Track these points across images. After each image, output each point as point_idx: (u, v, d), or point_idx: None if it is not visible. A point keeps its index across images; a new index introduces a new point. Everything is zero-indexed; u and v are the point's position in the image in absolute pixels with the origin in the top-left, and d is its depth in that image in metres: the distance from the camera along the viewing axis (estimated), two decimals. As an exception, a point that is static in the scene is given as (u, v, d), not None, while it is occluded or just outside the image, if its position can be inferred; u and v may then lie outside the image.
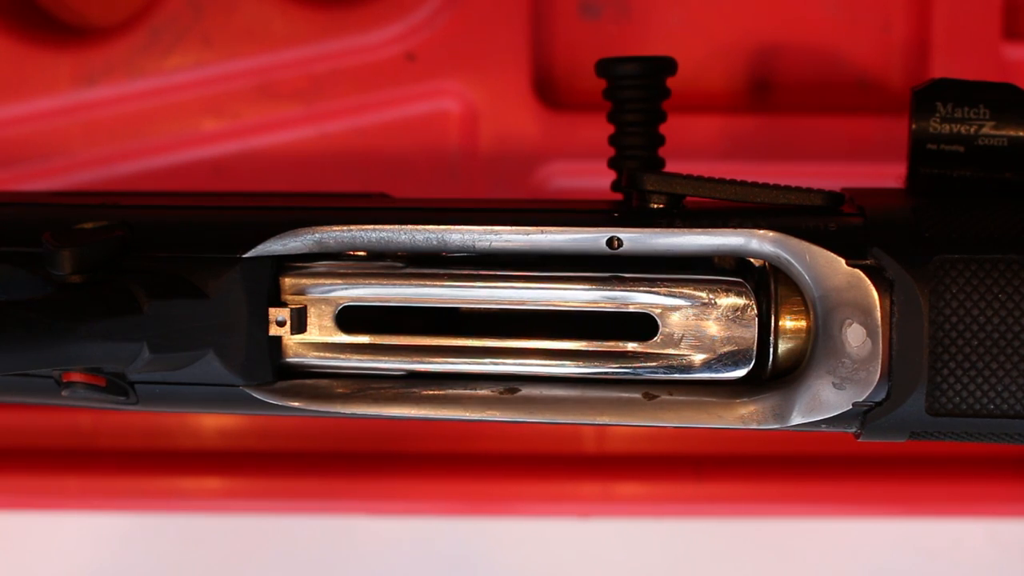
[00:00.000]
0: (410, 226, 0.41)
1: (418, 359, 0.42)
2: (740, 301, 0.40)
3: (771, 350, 0.40)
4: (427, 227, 0.41)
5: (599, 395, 0.41)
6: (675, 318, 0.40)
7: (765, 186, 0.41)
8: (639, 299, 0.41)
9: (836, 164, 0.66)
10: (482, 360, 0.42)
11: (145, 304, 0.39)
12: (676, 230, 0.40)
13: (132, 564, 0.71)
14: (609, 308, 0.41)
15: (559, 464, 0.68)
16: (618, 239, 0.40)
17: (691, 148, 0.65)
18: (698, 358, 0.40)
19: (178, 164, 0.68)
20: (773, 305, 0.40)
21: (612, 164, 0.44)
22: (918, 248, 0.38)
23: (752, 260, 0.41)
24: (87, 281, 0.39)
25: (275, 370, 0.42)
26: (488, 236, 0.41)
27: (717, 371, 0.40)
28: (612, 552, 0.70)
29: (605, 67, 0.43)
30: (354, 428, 0.69)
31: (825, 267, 0.39)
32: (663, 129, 0.43)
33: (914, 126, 0.41)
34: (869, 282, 0.38)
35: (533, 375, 0.42)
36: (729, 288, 0.40)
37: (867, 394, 0.39)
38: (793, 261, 0.39)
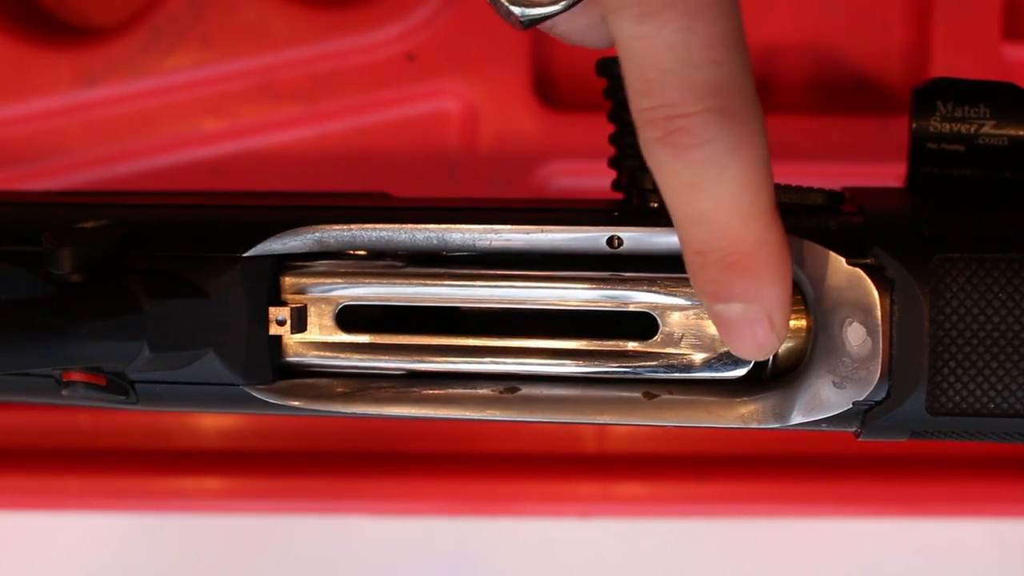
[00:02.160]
0: (410, 225, 0.41)
1: (418, 358, 0.42)
2: (740, 300, 0.40)
3: (771, 349, 0.40)
4: (427, 226, 0.41)
5: (599, 394, 0.41)
6: (675, 317, 0.40)
7: (765, 185, 0.41)
8: (639, 298, 0.41)
9: (836, 164, 0.66)
10: (482, 359, 0.42)
11: (145, 303, 0.39)
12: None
13: (132, 564, 0.71)
14: (609, 307, 0.41)
15: (559, 464, 0.68)
16: (618, 238, 0.40)
17: (691, 148, 0.65)
18: (698, 357, 0.40)
19: (178, 164, 0.68)
20: (773, 304, 0.40)
21: (612, 163, 0.44)
22: (918, 247, 0.38)
23: (752, 259, 0.41)
24: (87, 280, 0.39)
25: (275, 369, 0.42)
26: (488, 235, 0.41)
27: (717, 370, 0.40)
28: (612, 552, 0.70)
29: (605, 66, 0.43)
30: (354, 428, 0.69)
31: (825, 266, 0.39)
32: (663, 128, 0.43)
33: (914, 125, 0.41)
34: (869, 281, 0.38)
35: (533, 374, 0.42)
36: (729, 287, 0.40)
37: (867, 393, 0.39)
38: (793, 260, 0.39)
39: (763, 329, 0.36)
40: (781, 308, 0.36)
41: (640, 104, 0.34)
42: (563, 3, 0.36)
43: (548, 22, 0.37)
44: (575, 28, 0.38)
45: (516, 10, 0.37)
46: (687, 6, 0.32)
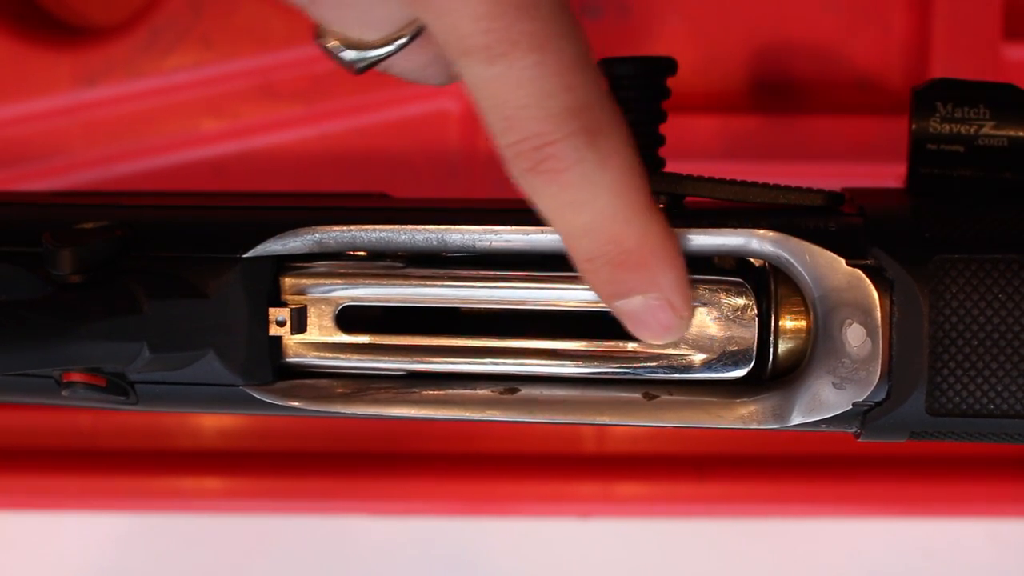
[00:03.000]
0: (410, 226, 0.41)
1: (418, 359, 0.42)
2: (740, 301, 0.40)
3: (771, 350, 0.40)
4: (427, 227, 0.41)
5: (599, 395, 0.41)
6: (675, 318, 0.40)
7: (765, 186, 0.41)
8: (639, 299, 0.41)
9: (836, 164, 0.66)
10: (482, 360, 0.42)
11: (145, 304, 0.39)
12: (676, 230, 0.40)
13: (132, 564, 0.71)
14: (609, 308, 0.41)
15: (559, 464, 0.68)
16: (619, 239, 0.40)
17: (691, 148, 0.65)
18: (698, 358, 0.40)
19: (178, 164, 0.68)
20: (773, 305, 0.40)
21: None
22: (918, 248, 0.38)
23: (752, 260, 0.41)
24: (87, 281, 0.39)
25: (275, 370, 0.42)
26: (488, 236, 0.41)
27: (717, 371, 0.40)
28: (612, 552, 0.70)
29: (605, 67, 0.43)
30: (354, 428, 0.69)
31: (825, 267, 0.39)
32: (663, 129, 0.43)
33: (914, 126, 0.41)
34: (869, 282, 0.38)
35: (533, 375, 0.42)
36: (729, 288, 0.40)
37: (867, 394, 0.39)
38: (793, 261, 0.39)
39: (665, 314, 0.38)
40: (678, 291, 0.37)
41: (505, 140, 0.35)
42: (392, 46, 0.37)
43: (383, 64, 0.38)
44: (412, 67, 0.39)
45: (348, 56, 0.38)
46: (532, 41, 0.33)
